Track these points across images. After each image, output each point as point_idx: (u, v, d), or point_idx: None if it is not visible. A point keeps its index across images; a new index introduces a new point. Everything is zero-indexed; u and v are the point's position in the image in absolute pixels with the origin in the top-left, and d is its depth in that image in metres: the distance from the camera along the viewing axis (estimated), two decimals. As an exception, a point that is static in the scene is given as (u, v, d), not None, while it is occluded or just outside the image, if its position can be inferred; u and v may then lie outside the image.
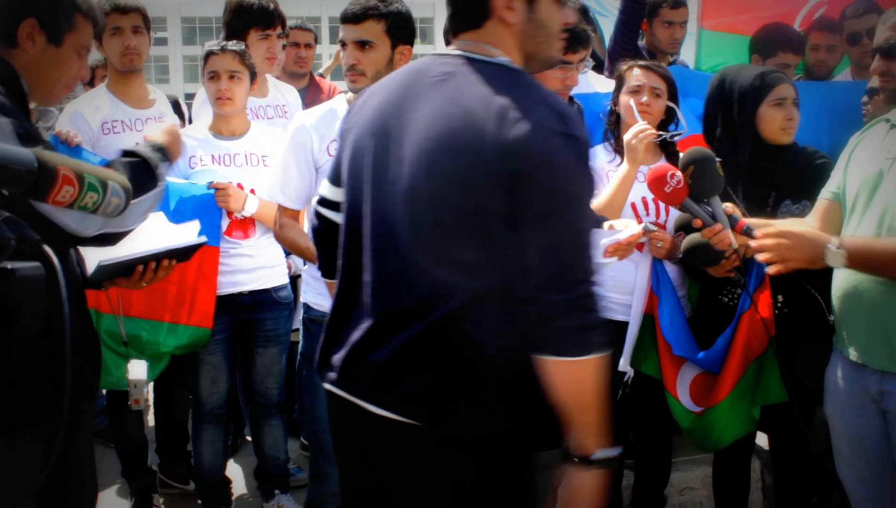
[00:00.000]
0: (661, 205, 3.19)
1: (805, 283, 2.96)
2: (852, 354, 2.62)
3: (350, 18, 2.86)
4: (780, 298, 3.05)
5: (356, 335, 1.90)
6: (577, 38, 2.68)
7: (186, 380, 3.68)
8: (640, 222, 3.10)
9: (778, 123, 3.04)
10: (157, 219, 2.77)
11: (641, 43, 4.78)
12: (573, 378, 1.74)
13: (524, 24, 1.87)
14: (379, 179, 1.86)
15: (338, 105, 3.06)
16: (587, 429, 1.78)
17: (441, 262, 1.78)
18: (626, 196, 3.16)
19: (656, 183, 2.65)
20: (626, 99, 3.22)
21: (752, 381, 3.02)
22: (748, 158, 3.09)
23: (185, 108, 4.08)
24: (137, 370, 2.89)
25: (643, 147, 3.10)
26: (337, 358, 1.94)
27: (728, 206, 2.67)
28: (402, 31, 2.88)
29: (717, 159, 2.67)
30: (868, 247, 2.48)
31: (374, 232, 1.88)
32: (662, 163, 2.71)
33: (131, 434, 3.77)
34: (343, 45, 2.90)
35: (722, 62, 4.63)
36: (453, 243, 1.77)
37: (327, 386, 1.98)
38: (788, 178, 3.04)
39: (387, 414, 1.83)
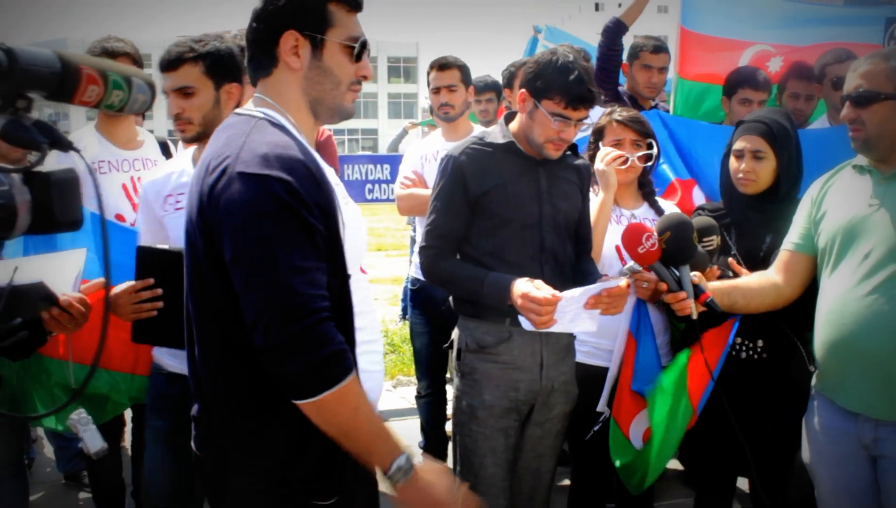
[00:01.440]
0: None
1: (787, 330, 2.99)
2: (846, 402, 2.64)
3: (166, 66, 2.78)
4: (760, 342, 3.08)
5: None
6: (580, 98, 2.72)
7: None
8: (624, 264, 3.15)
9: (734, 173, 3.12)
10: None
11: (623, 88, 4.86)
12: (324, 416, 1.82)
13: (308, 71, 1.98)
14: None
15: (184, 161, 2.95)
16: (367, 453, 1.87)
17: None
18: (605, 225, 3.19)
19: (631, 241, 2.72)
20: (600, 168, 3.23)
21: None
22: (727, 205, 3.16)
23: (172, 148, 4.09)
24: (92, 441, 2.76)
25: (613, 171, 3.16)
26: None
27: (696, 275, 2.72)
28: (224, 69, 2.78)
29: (695, 229, 2.73)
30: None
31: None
32: (641, 222, 2.74)
33: (108, 478, 3.73)
34: (165, 94, 2.78)
35: (695, 110, 4.74)
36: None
37: None
38: (783, 225, 3.05)
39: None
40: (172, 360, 2.81)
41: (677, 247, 2.70)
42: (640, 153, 3.25)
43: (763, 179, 3.09)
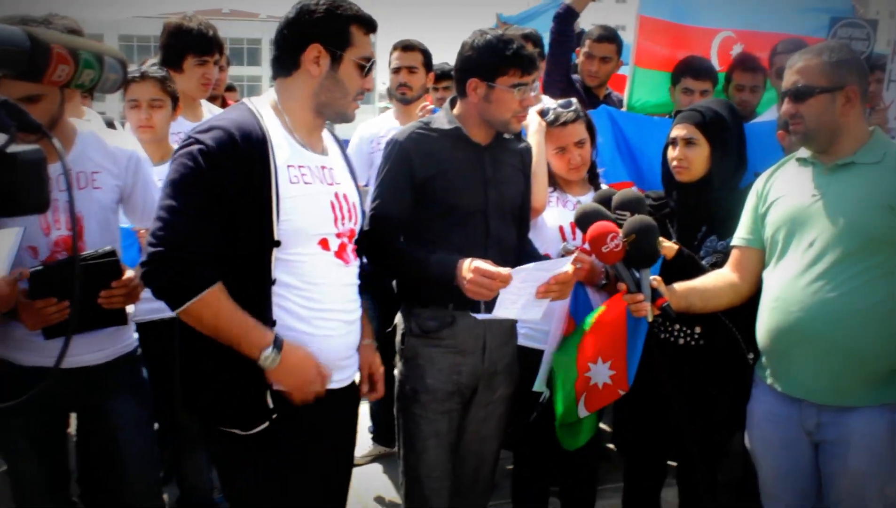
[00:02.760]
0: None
1: (724, 318, 3.04)
2: (789, 388, 2.70)
3: None
4: (697, 329, 3.13)
5: None
6: (530, 62, 2.76)
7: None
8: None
9: (669, 161, 3.17)
10: None
11: (576, 76, 4.87)
12: (194, 321, 2.27)
13: (324, 80, 2.40)
14: None
15: None
16: (238, 346, 2.26)
17: None
18: (544, 172, 3.29)
19: (596, 240, 2.72)
20: (555, 160, 3.35)
21: None
22: (666, 193, 3.22)
23: (119, 129, 4.03)
24: None
25: (535, 116, 3.31)
26: None
27: (655, 279, 2.75)
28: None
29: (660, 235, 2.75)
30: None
31: None
32: (605, 222, 2.76)
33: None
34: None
35: (649, 99, 4.76)
36: None
37: None
38: (719, 216, 3.12)
39: None
40: (28, 355, 2.68)
41: (640, 250, 2.72)
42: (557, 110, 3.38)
43: (696, 167, 3.12)
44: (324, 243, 2.42)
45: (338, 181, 2.50)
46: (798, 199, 2.70)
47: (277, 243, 2.30)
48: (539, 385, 3.14)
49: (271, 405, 2.34)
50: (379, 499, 4.26)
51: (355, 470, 4.44)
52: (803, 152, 2.78)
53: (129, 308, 2.73)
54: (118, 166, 2.83)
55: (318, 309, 2.41)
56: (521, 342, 3.17)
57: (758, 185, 2.90)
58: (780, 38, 4.53)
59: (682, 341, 3.15)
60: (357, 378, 2.69)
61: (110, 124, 3.90)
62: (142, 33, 56.62)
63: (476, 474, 3.06)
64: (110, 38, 58.66)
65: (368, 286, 4.52)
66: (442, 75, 5.24)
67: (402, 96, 4.56)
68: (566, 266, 2.70)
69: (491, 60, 2.77)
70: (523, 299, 2.66)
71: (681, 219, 2.98)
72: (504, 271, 2.59)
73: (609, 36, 4.77)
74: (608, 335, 2.95)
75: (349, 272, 2.53)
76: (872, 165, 2.61)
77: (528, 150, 3.12)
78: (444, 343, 2.87)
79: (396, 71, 4.58)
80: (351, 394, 2.64)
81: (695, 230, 3.13)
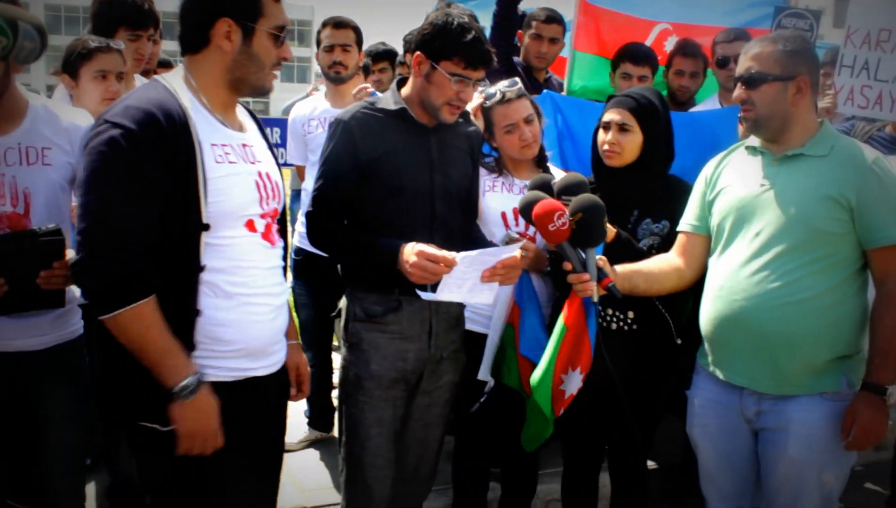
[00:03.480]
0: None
1: (658, 303, 3.05)
2: (731, 376, 2.72)
3: None
4: (630, 314, 3.12)
5: None
6: (479, 58, 2.69)
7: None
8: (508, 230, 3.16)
9: (600, 145, 3.16)
10: None
11: (518, 59, 4.83)
12: (119, 332, 2.14)
13: (237, 55, 2.26)
14: None
15: None
16: (156, 369, 2.15)
17: None
18: None
19: (542, 218, 2.66)
20: (505, 139, 3.29)
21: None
22: (595, 178, 3.20)
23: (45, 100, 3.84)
24: None
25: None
26: None
27: (601, 259, 2.73)
28: None
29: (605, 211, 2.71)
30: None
31: None
32: (552, 200, 2.71)
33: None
34: None
35: (589, 83, 4.76)
36: None
37: None
38: (650, 199, 3.13)
39: None
40: None
41: (587, 229, 2.69)
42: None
43: (628, 152, 3.12)
44: (250, 225, 2.31)
45: (259, 159, 2.38)
46: (746, 188, 2.71)
47: (206, 227, 2.18)
48: (483, 374, 3.10)
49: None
50: (316, 485, 4.18)
51: (291, 456, 4.42)
52: (753, 141, 2.79)
53: (76, 292, 2.58)
54: (71, 143, 2.68)
55: (247, 293, 2.30)
56: (467, 325, 3.13)
57: (706, 171, 2.91)
58: (719, 31, 4.57)
59: (615, 325, 3.14)
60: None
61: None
62: (70, 3, 54.80)
63: (419, 461, 3.02)
64: (36, 7, 56.67)
65: (302, 272, 4.50)
66: (377, 56, 5.14)
67: (337, 75, 4.41)
68: (514, 251, 2.66)
69: (440, 41, 2.70)
70: (469, 283, 2.62)
71: (611, 203, 2.94)
72: (449, 255, 2.54)
73: (557, 17, 4.75)
74: (573, 339, 2.86)
75: (275, 254, 2.42)
76: (820, 158, 2.63)
77: (476, 133, 3.07)
78: (389, 329, 2.81)
79: (329, 49, 4.41)
80: (280, 380, 2.54)
81: (627, 214, 3.14)
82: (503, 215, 3.27)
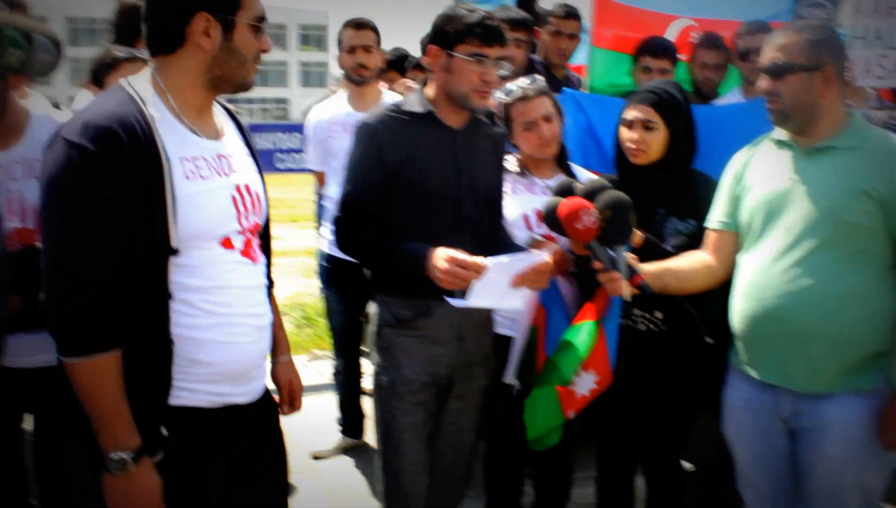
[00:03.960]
0: None
1: (686, 303, 3.01)
2: (765, 375, 2.67)
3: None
4: (658, 314, 3.09)
5: None
6: (492, 33, 2.67)
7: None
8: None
9: (625, 144, 3.12)
10: None
11: (537, 57, 4.82)
12: (72, 379, 1.94)
13: (218, 52, 2.06)
14: None
15: None
16: (97, 431, 1.95)
17: None
18: None
19: (570, 218, 2.64)
20: (524, 137, 3.26)
21: None
22: (619, 176, 3.16)
23: (66, 111, 3.86)
24: None
25: None
26: None
27: (631, 257, 2.70)
28: None
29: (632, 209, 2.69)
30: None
31: None
32: (578, 198, 2.69)
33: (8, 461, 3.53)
34: None
35: (609, 79, 4.73)
36: None
37: None
38: (675, 197, 3.09)
39: None
40: None
41: (616, 227, 2.66)
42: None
43: (654, 150, 3.08)
44: (227, 243, 2.14)
45: (237, 170, 2.19)
46: (775, 183, 2.67)
47: (175, 251, 1.99)
48: (510, 377, 3.08)
49: (166, 434, 2.04)
50: (348, 493, 4.18)
51: (324, 463, 4.44)
52: (780, 134, 2.74)
53: None
54: None
55: (227, 314, 2.13)
56: (497, 329, 3.12)
57: (734, 166, 2.87)
58: (740, 25, 4.53)
59: (643, 326, 3.11)
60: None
61: (56, 106, 3.74)
62: (89, 15, 55.30)
63: (453, 466, 3.01)
64: (57, 20, 57.33)
65: (332, 279, 4.50)
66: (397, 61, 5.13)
67: (360, 78, 4.40)
68: (545, 256, 2.64)
69: (450, 27, 2.69)
70: (499, 289, 2.61)
71: (637, 202, 2.92)
72: (479, 260, 2.53)
73: (575, 13, 4.77)
74: (591, 344, 2.82)
75: (257, 272, 2.25)
76: (851, 151, 2.58)
77: (503, 134, 3.05)
78: (419, 333, 2.80)
79: (352, 51, 4.39)
80: (266, 406, 2.36)
81: (652, 213, 3.09)
82: (525, 218, 3.25)
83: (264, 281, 2.30)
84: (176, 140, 2.03)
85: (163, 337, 2.00)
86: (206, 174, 2.08)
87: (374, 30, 4.46)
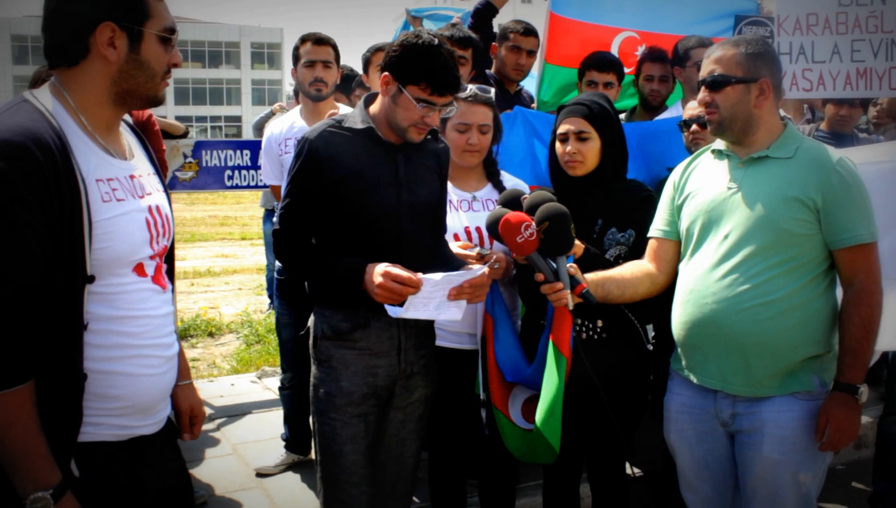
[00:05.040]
0: (486, 233, 3.12)
1: (625, 309, 3.05)
2: (704, 380, 2.72)
3: None
4: (599, 322, 3.12)
5: None
6: (445, 84, 2.66)
7: None
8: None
9: (561, 157, 3.15)
10: None
11: (489, 71, 4.86)
12: None
13: (124, 64, 1.95)
14: None
15: None
16: (11, 471, 1.80)
17: None
18: None
19: (509, 231, 2.67)
20: (453, 136, 3.24)
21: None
22: (556, 190, 3.17)
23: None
24: None
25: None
26: None
27: (572, 267, 2.72)
28: None
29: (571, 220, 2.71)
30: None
31: None
32: (517, 212, 2.71)
33: None
34: None
35: (560, 95, 4.80)
36: None
37: None
38: (613, 208, 3.13)
39: None
40: None
41: (555, 238, 2.69)
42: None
43: (590, 160, 3.12)
44: (139, 269, 2.04)
45: (148, 191, 2.08)
46: (713, 192, 2.72)
47: (91, 279, 1.88)
48: (480, 388, 3.10)
49: (77, 474, 1.90)
50: None
51: (269, 480, 4.38)
52: (719, 144, 2.80)
53: None
54: None
55: (137, 345, 2.02)
56: (439, 342, 3.10)
57: (674, 176, 2.93)
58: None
59: (584, 335, 3.13)
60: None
61: None
62: (37, 33, 54.36)
63: (396, 477, 2.98)
64: (2, 38, 56.40)
65: (285, 291, 4.46)
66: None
67: (318, 92, 4.37)
68: (483, 270, 2.66)
69: (408, 64, 2.66)
70: (436, 302, 2.63)
71: (575, 214, 2.95)
72: (415, 276, 2.55)
73: (534, 30, 4.81)
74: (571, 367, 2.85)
75: (165, 300, 2.13)
76: (785, 160, 2.65)
77: (444, 150, 3.04)
78: (358, 345, 2.79)
79: (310, 65, 4.35)
80: (168, 433, 2.25)
81: (591, 224, 3.13)
82: (455, 237, 3.22)
83: (171, 309, 2.18)
84: (92, 159, 1.92)
85: (75, 370, 1.87)
86: (122, 196, 1.98)
87: (334, 46, 4.45)
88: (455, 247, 3.08)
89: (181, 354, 2.32)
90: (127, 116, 2.22)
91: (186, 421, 2.40)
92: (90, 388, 1.91)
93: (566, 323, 2.82)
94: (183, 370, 2.37)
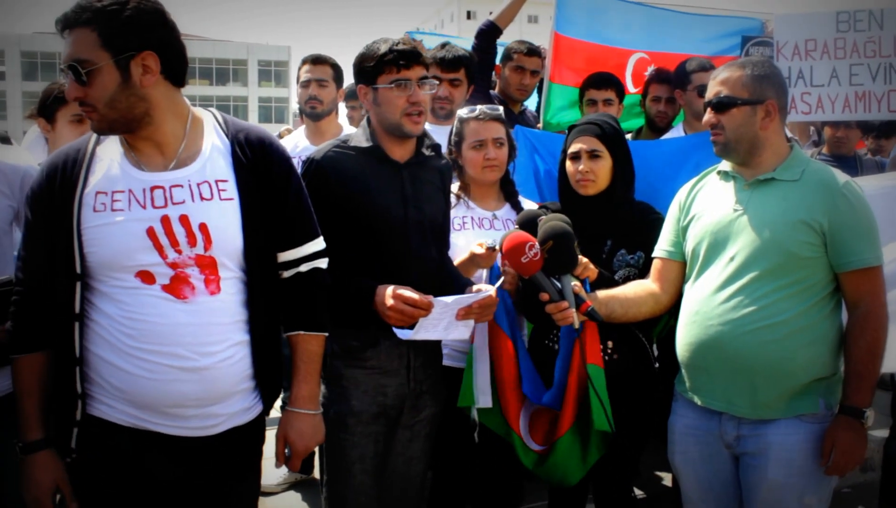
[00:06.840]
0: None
1: (635, 330, 3.04)
2: (709, 402, 2.71)
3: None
4: (609, 343, 3.10)
5: None
6: (405, 55, 2.72)
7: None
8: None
9: (573, 176, 3.16)
10: None
11: (493, 91, 4.87)
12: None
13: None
14: None
15: None
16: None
17: None
18: None
19: (513, 252, 2.68)
20: (470, 155, 3.26)
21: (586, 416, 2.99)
22: (566, 209, 3.16)
23: (15, 144, 3.82)
24: None
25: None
26: None
27: (576, 285, 2.73)
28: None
29: (576, 239, 2.71)
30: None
31: None
32: (520, 232, 2.73)
33: None
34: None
35: (564, 115, 4.81)
36: None
37: None
38: (623, 229, 3.13)
39: None
40: None
41: (559, 257, 2.69)
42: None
43: (601, 179, 3.13)
44: (144, 276, 2.14)
45: (178, 201, 2.16)
46: (719, 213, 2.72)
47: (80, 276, 2.17)
48: (485, 401, 3.06)
49: (73, 446, 2.23)
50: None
51: (270, 499, 4.36)
52: (725, 166, 2.80)
53: None
54: (10, 186, 2.68)
55: (139, 347, 2.13)
56: (445, 362, 3.10)
57: (680, 197, 2.92)
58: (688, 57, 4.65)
59: None
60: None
61: (5, 140, 3.69)
62: (46, 49, 54.79)
63: (403, 496, 2.97)
64: (12, 55, 56.74)
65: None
66: (350, 94, 5.18)
67: (312, 111, 4.42)
68: (490, 291, 2.68)
69: (367, 63, 2.77)
70: (445, 322, 2.65)
71: (584, 234, 2.96)
72: (426, 299, 2.57)
73: (538, 51, 4.85)
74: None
75: (191, 310, 2.17)
76: (792, 183, 2.65)
77: (447, 167, 3.07)
78: (368, 364, 2.80)
79: (306, 85, 4.45)
80: (226, 444, 2.32)
81: (600, 244, 3.13)
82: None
83: (213, 320, 2.19)
84: (112, 171, 2.19)
85: (69, 352, 2.18)
86: (121, 207, 2.15)
87: (333, 66, 4.49)
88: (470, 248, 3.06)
89: (296, 380, 2.46)
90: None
91: (281, 448, 2.49)
92: (99, 371, 2.18)
93: (594, 336, 2.86)
94: (295, 395, 2.48)
